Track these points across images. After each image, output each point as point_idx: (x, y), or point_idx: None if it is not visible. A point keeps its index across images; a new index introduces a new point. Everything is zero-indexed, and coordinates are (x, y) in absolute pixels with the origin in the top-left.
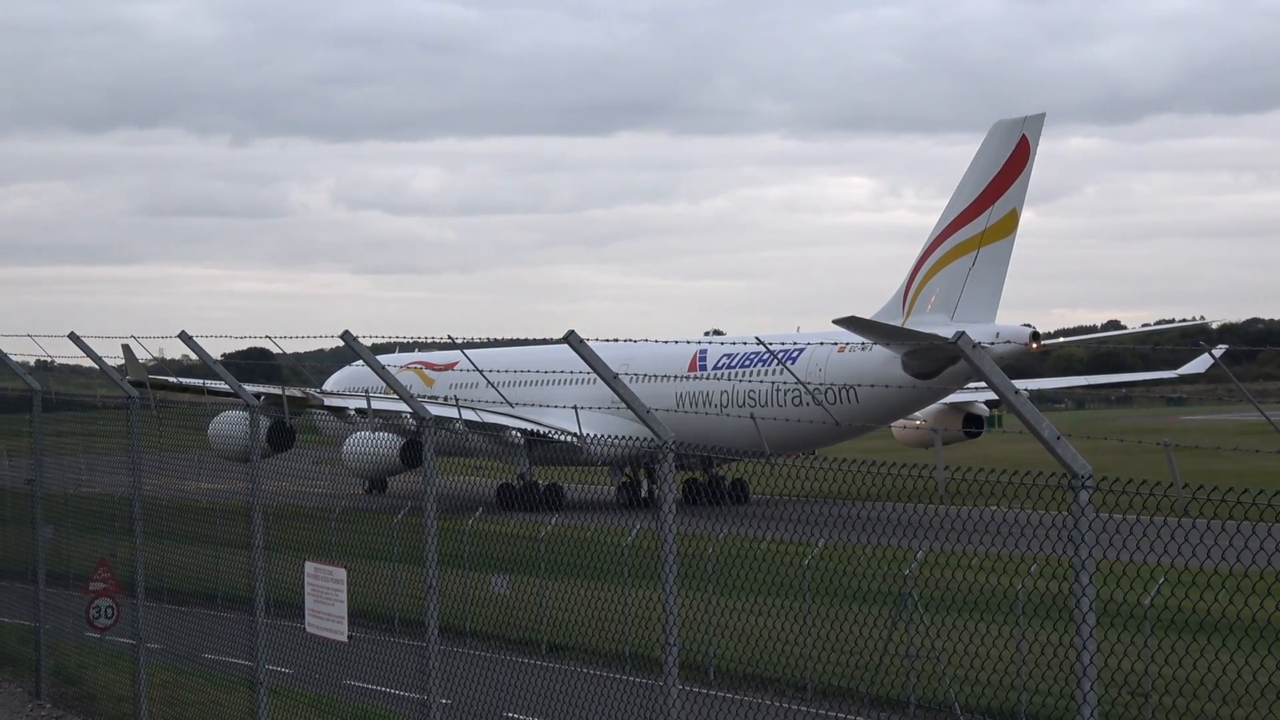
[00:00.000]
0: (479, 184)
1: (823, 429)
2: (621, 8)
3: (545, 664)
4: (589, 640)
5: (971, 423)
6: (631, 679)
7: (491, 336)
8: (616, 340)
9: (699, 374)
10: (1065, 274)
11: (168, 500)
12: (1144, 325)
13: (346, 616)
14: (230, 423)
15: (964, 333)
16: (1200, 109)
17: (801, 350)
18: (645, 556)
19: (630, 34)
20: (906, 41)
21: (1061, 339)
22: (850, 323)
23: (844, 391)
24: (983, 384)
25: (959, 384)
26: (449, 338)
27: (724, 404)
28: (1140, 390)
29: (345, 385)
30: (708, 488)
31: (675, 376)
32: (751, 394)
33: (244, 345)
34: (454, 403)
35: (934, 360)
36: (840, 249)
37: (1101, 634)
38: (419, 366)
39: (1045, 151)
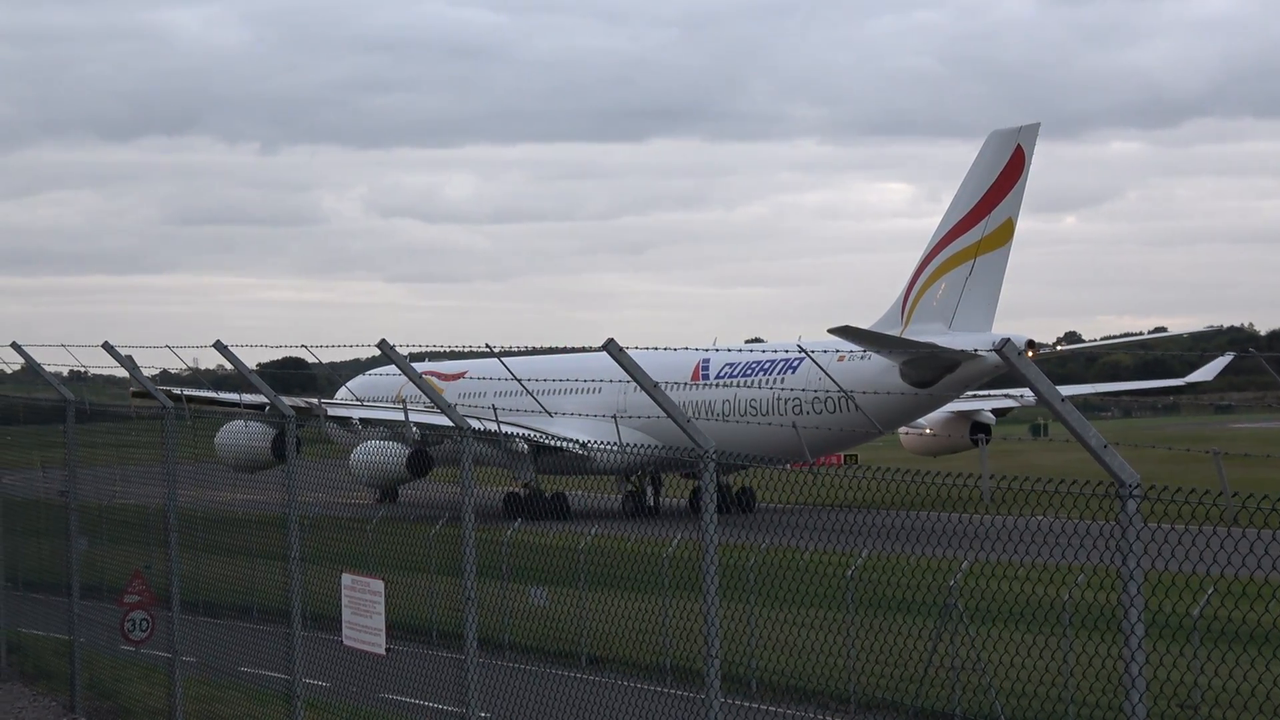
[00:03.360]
0: (512, 191)
1: (824, 435)
2: (652, 12)
3: (585, 676)
4: (630, 653)
5: (979, 430)
6: (673, 692)
7: (529, 345)
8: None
9: (702, 382)
10: (1109, 280)
11: (202, 511)
12: (1191, 331)
13: (384, 629)
14: (234, 433)
15: (1009, 339)
16: (1241, 112)
17: (801, 359)
18: (686, 568)
19: (661, 39)
20: (942, 45)
21: (1060, 348)
22: (845, 332)
23: (842, 400)
24: (983, 392)
25: (957, 392)
26: (486, 346)
27: (726, 412)
28: (1188, 398)
29: (358, 395)
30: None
31: (679, 385)
32: (753, 402)
33: (279, 355)
34: (492, 414)
35: (931, 369)
36: (880, 255)
37: (1150, 645)
38: (429, 376)
39: (1086, 156)
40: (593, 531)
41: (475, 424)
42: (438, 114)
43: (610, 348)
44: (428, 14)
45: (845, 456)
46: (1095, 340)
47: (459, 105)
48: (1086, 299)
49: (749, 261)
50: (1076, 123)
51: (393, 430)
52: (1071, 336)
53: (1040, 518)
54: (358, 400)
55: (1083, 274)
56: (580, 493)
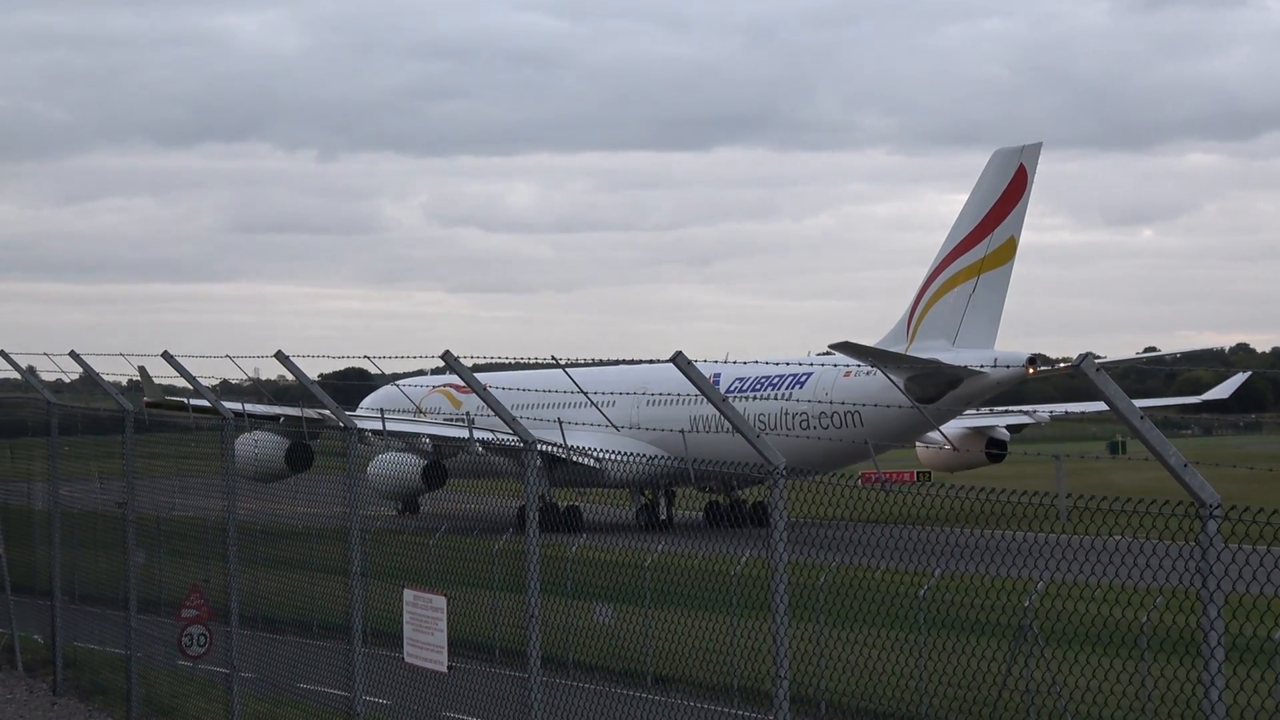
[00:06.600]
0: (576, 200)
1: (831, 446)
2: (718, 20)
3: (651, 696)
4: (696, 672)
5: (994, 446)
6: (740, 713)
7: (595, 358)
8: (634, 362)
9: None
10: (1188, 295)
11: (261, 524)
12: (1273, 348)
13: (446, 646)
14: (249, 444)
15: (1090, 354)
16: None
17: (810, 374)
18: (754, 586)
19: (727, 47)
20: (1013, 54)
21: (1063, 364)
22: (846, 347)
23: (848, 415)
24: (1001, 408)
25: (960, 408)
26: (552, 358)
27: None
28: (1270, 416)
29: (380, 408)
30: (729, 510)
31: (690, 399)
32: (761, 415)
33: (341, 365)
34: (556, 425)
35: (934, 385)
36: None
37: (1230, 670)
38: (448, 389)
39: (1162, 168)
40: (659, 548)
41: (488, 435)
42: (500, 121)
43: (678, 360)
44: (490, 21)
45: (918, 474)
46: (1174, 355)
47: (521, 113)
48: (1166, 314)
49: (819, 274)
50: (1152, 134)
51: (407, 442)
52: (1150, 352)
53: (1118, 538)
54: (420, 410)
55: (1161, 288)
56: (595, 505)
